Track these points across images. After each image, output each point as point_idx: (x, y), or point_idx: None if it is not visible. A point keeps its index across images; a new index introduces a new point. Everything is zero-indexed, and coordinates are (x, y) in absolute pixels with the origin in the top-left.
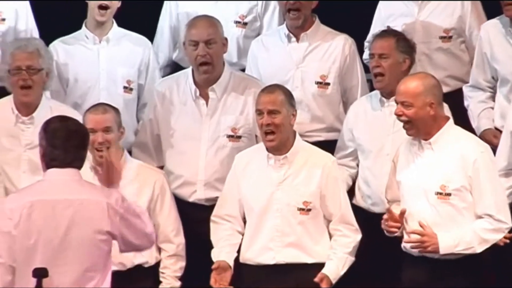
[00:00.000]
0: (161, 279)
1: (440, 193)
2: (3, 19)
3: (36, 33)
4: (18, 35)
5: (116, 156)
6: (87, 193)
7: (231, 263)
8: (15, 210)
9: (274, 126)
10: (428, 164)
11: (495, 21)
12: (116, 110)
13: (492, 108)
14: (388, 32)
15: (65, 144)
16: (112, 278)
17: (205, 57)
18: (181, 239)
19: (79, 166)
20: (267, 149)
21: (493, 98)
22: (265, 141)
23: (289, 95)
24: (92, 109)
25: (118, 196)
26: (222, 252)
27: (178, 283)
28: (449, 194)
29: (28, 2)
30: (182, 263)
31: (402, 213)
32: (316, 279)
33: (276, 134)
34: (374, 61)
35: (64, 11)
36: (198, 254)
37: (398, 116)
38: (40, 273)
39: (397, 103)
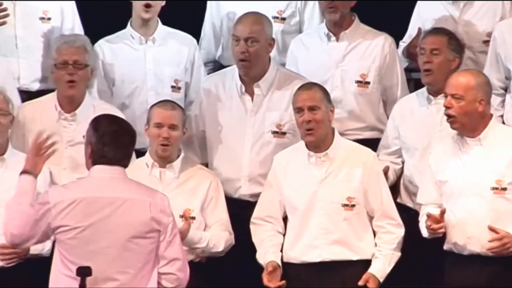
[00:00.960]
0: None
1: (496, 188)
2: (49, 18)
3: (81, 32)
4: (65, 33)
5: None
6: (131, 192)
7: (279, 263)
8: (58, 204)
9: (315, 122)
10: (478, 160)
11: (509, 21)
12: (182, 109)
13: (501, 116)
14: (440, 30)
15: (116, 142)
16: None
17: (244, 54)
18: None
19: (126, 164)
20: (307, 147)
21: (503, 103)
22: (306, 137)
23: (325, 91)
24: (160, 104)
25: (164, 200)
26: (268, 252)
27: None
28: (505, 189)
29: (73, 2)
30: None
31: (443, 212)
32: (361, 282)
33: (316, 130)
34: (425, 56)
35: (108, 10)
36: (243, 251)
37: (447, 108)
38: (84, 272)
39: (446, 96)
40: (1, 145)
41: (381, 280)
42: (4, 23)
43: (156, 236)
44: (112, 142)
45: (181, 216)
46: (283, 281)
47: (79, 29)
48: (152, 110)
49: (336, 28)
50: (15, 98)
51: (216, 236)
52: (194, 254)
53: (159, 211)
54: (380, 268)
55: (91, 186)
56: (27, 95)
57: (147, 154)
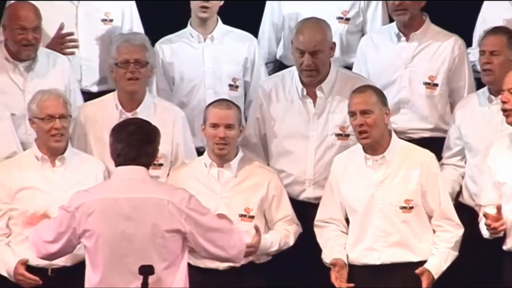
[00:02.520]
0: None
1: None
2: (111, 20)
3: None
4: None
5: None
6: (149, 191)
7: (346, 261)
8: (79, 207)
9: (367, 126)
10: None
11: None
12: (238, 107)
13: None
14: (499, 29)
15: (127, 140)
16: (225, 274)
17: (310, 67)
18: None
19: (145, 163)
20: (364, 150)
21: None
22: (360, 140)
23: (380, 94)
24: (216, 103)
25: (185, 196)
26: (334, 251)
27: None
28: None
29: (133, 2)
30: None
31: (499, 208)
32: (417, 272)
33: (370, 133)
34: (485, 57)
35: (169, 10)
36: (307, 252)
37: (503, 102)
38: (146, 270)
39: (503, 91)
40: (62, 147)
41: (436, 276)
42: (72, 53)
43: (178, 235)
44: (123, 140)
45: (241, 215)
46: (352, 284)
47: (138, 30)
48: (208, 110)
49: (407, 28)
50: (79, 98)
51: (285, 233)
52: (254, 256)
53: (178, 210)
54: (436, 265)
55: (111, 188)
56: (88, 97)
57: (205, 153)
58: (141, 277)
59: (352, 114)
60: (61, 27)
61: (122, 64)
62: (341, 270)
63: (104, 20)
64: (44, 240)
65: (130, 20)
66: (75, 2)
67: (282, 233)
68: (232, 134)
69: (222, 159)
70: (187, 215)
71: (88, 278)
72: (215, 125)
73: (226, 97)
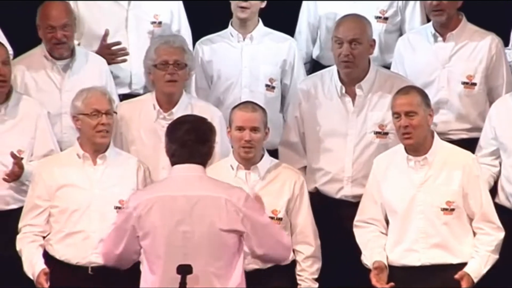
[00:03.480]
0: (298, 281)
1: None
2: (160, 22)
3: (188, 33)
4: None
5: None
6: (206, 190)
7: (386, 263)
8: (137, 207)
9: (412, 127)
10: None
11: None
12: (263, 110)
13: None
14: None
15: (181, 139)
16: (251, 276)
17: (348, 57)
18: (318, 241)
19: (200, 162)
20: (406, 151)
21: None
22: (404, 140)
23: (424, 95)
24: (241, 106)
25: (242, 195)
26: (374, 253)
27: (316, 285)
28: None
29: (181, 2)
30: (319, 265)
31: None
32: (457, 276)
33: (414, 134)
34: None
35: (210, 10)
36: (343, 252)
37: None
38: (185, 270)
39: None
40: (107, 143)
41: (476, 280)
42: (124, 60)
43: (235, 234)
44: (177, 140)
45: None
46: (392, 283)
47: (186, 30)
48: (233, 112)
49: (443, 28)
50: (116, 99)
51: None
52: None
53: (235, 209)
54: (476, 268)
55: (168, 186)
56: None
57: (231, 155)
58: (198, 275)
59: (396, 115)
60: (106, 33)
61: (161, 65)
62: (381, 273)
63: (153, 23)
64: (107, 246)
65: (178, 21)
66: (125, 5)
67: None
68: (257, 137)
69: (249, 162)
70: (244, 215)
71: (144, 277)
72: (240, 128)
73: (262, 97)
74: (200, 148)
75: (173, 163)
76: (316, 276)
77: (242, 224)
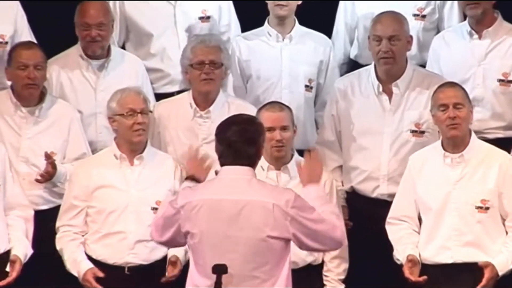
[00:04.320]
0: (325, 282)
1: None
2: (208, 17)
3: (238, 29)
4: (220, 30)
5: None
6: (254, 194)
7: (419, 259)
8: (185, 206)
9: (460, 118)
10: None
11: None
12: (289, 108)
13: None
14: None
15: (229, 139)
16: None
17: (387, 53)
18: (346, 241)
19: (249, 164)
20: (444, 148)
21: None
22: (450, 131)
23: (466, 91)
24: (267, 106)
25: (291, 197)
26: (407, 248)
27: (342, 286)
28: None
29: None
30: (346, 266)
31: None
32: (481, 263)
33: (460, 126)
34: None
35: (245, 7)
36: (376, 251)
37: None
38: (220, 270)
39: None
40: (143, 142)
41: (500, 273)
42: None
43: (282, 239)
44: (224, 142)
45: None
46: (424, 276)
47: (235, 26)
48: (261, 114)
49: (479, 25)
50: (151, 96)
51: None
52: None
53: (283, 213)
54: (502, 261)
55: (216, 189)
56: None
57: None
58: (253, 279)
59: (443, 107)
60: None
61: (197, 65)
62: (414, 266)
63: (201, 18)
64: (154, 230)
65: (228, 16)
66: (172, 2)
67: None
68: (287, 136)
69: (279, 162)
70: (292, 217)
71: (191, 277)
72: (270, 129)
73: (301, 97)
74: (247, 149)
75: (221, 163)
76: (342, 277)
77: (289, 228)
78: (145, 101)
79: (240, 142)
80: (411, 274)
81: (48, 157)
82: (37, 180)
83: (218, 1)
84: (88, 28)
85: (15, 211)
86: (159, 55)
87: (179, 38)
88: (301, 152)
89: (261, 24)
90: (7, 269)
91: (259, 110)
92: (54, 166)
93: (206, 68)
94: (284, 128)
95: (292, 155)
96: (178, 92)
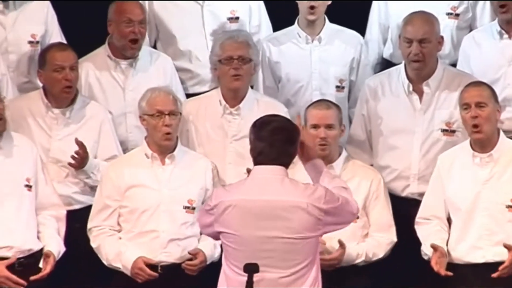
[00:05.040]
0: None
1: None
2: (237, 18)
3: (269, 29)
4: (251, 30)
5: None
6: (287, 193)
7: (446, 252)
8: (218, 205)
9: (481, 118)
10: None
11: None
12: (338, 107)
13: None
14: None
15: (271, 138)
16: (328, 275)
17: (418, 56)
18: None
19: (285, 163)
20: (472, 147)
21: None
22: (473, 134)
23: (493, 90)
24: (315, 104)
25: (322, 193)
26: (435, 242)
27: (361, 257)
28: None
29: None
30: (380, 255)
31: None
32: (505, 244)
33: (483, 127)
34: None
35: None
36: (409, 250)
37: None
38: (251, 269)
39: None
40: (172, 145)
41: None
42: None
43: (315, 237)
44: (265, 139)
45: None
46: (450, 273)
47: (266, 26)
48: (308, 111)
49: (509, 25)
50: (180, 94)
51: (374, 244)
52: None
53: (317, 210)
54: None
55: (249, 189)
56: None
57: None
58: (276, 279)
59: (466, 106)
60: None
61: (226, 60)
62: (442, 257)
63: (230, 18)
64: (202, 226)
65: (258, 17)
66: (200, 2)
67: (371, 245)
68: (332, 134)
69: (324, 160)
70: (325, 212)
71: (224, 276)
72: (315, 126)
73: (332, 99)
74: (288, 148)
75: (258, 162)
76: (381, 250)
77: (323, 223)
78: (175, 102)
79: (282, 141)
80: (437, 264)
81: (79, 143)
82: (70, 164)
83: (248, 1)
84: (131, 25)
85: (47, 210)
86: (187, 55)
87: (207, 38)
88: None
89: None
90: (40, 265)
91: (307, 107)
92: (85, 151)
93: (234, 64)
94: (329, 127)
95: (340, 153)
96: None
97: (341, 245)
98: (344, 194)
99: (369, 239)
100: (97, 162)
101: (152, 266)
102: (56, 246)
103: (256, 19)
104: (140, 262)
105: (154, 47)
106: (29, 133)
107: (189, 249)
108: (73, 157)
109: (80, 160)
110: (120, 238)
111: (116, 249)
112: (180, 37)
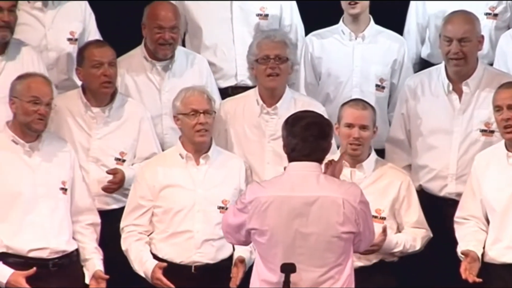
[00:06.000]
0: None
1: None
2: (266, 15)
3: (301, 30)
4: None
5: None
6: (323, 189)
7: (480, 256)
8: (253, 201)
9: None
10: None
11: None
12: (373, 108)
13: None
14: None
15: (303, 133)
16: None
17: (458, 54)
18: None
19: (319, 159)
20: (507, 148)
21: None
22: (505, 135)
23: None
24: (351, 103)
25: (358, 192)
26: (469, 245)
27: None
28: None
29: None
30: (416, 248)
31: None
32: None
33: None
34: None
35: (323, 7)
36: (446, 250)
37: None
38: (288, 268)
39: None
40: (206, 142)
41: None
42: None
43: (351, 235)
44: (298, 135)
45: (372, 217)
46: (479, 279)
47: (299, 26)
48: (343, 109)
49: None
50: (216, 98)
51: (412, 236)
52: (387, 254)
53: (352, 208)
54: None
55: (284, 185)
56: (244, 91)
57: (337, 153)
58: (311, 275)
59: (498, 108)
60: None
61: (262, 60)
62: (472, 262)
63: (259, 15)
64: (228, 225)
65: (290, 16)
66: None
67: (410, 236)
68: (366, 135)
69: (355, 160)
70: (357, 213)
71: (257, 273)
72: (349, 125)
73: (372, 97)
74: (321, 143)
75: (292, 158)
76: (418, 243)
77: (357, 224)
78: (209, 101)
79: (315, 136)
80: (467, 270)
81: (112, 171)
82: (105, 190)
83: (279, 0)
84: (161, 31)
85: (83, 216)
86: (212, 48)
87: (234, 33)
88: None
89: (326, 23)
90: (87, 280)
91: (343, 104)
92: (119, 178)
93: (271, 63)
94: (363, 127)
95: (370, 154)
96: (232, 88)
97: (384, 231)
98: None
99: (407, 230)
100: (133, 175)
101: (186, 267)
102: (99, 262)
103: (288, 18)
104: (157, 272)
105: (183, 40)
106: (69, 133)
107: (222, 250)
108: (107, 186)
109: (117, 187)
110: (147, 243)
111: (139, 256)
112: (207, 30)
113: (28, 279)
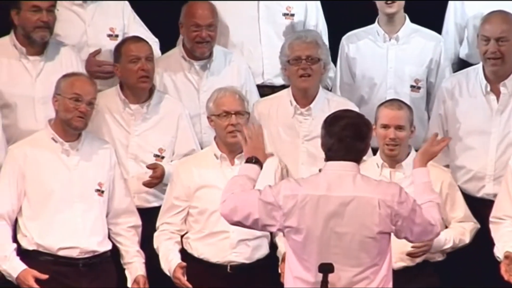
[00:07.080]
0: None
1: None
2: (292, 14)
3: (324, 31)
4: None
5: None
6: (359, 190)
7: None
8: (289, 199)
9: None
10: None
11: None
12: (409, 108)
13: None
14: None
15: (340, 133)
16: (399, 274)
17: (495, 54)
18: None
19: (355, 159)
20: None
21: None
22: None
23: None
24: (387, 103)
25: (396, 191)
26: (506, 245)
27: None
28: None
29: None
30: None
31: None
32: None
33: None
34: None
35: (352, 9)
36: (484, 250)
37: None
38: (326, 268)
39: None
40: (239, 143)
41: None
42: (106, 78)
43: (387, 235)
44: (335, 135)
45: None
46: None
47: (323, 27)
48: (379, 110)
49: None
50: (255, 97)
51: (460, 230)
52: (429, 254)
53: (389, 208)
54: None
55: (321, 184)
56: (271, 90)
57: (378, 154)
58: (344, 275)
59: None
60: (98, 52)
61: (294, 60)
62: (511, 264)
63: (285, 14)
64: (231, 204)
65: (316, 16)
66: None
67: (458, 231)
68: (402, 135)
69: (393, 160)
70: (396, 212)
71: (291, 271)
72: (385, 126)
73: (407, 98)
74: (357, 144)
75: (328, 158)
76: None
77: (393, 224)
78: (242, 102)
79: (352, 137)
80: (507, 272)
81: (152, 166)
82: (146, 185)
83: (304, 0)
84: (198, 29)
85: (124, 218)
86: (238, 47)
87: (261, 32)
88: None
89: (351, 26)
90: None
91: (379, 106)
92: (160, 173)
93: (303, 64)
94: (399, 127)
95: (409, 153)
96: (258, 87)
97: None
98: (430, 216)
99: (454, 225)
100: (173, 171)
101: (222, 266)
102: (142, 266)
103: (313, 19)
104: (177, 271)
105: None
106: (108, 131)
107: (258, 250)
108: (149, 181)
109: (158, 182)
110: (177, 243)
111: (166, 255)
112: (234, 28)
113: (57, 277)
